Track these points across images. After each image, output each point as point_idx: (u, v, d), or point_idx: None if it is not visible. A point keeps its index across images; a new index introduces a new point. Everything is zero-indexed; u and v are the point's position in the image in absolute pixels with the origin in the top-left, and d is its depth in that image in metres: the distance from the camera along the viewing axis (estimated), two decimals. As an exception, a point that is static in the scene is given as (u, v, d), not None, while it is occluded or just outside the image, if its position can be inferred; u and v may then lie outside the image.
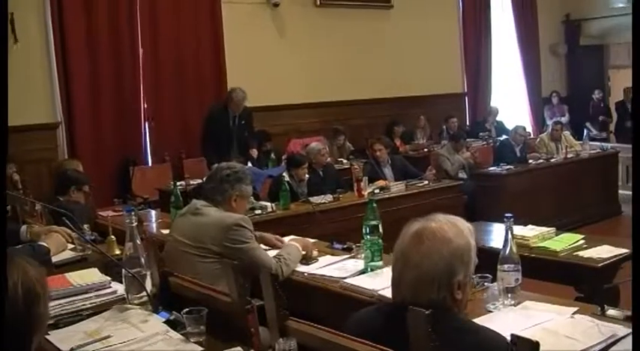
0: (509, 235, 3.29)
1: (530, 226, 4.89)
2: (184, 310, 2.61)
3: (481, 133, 11.91)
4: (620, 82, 15.06)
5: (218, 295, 2.81)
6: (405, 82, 11.63)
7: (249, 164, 8.61)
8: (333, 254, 4.27)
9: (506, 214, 3.33)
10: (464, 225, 2.31)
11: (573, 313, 3.08)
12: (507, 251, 3.25)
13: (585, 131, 11.24)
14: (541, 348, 1.97)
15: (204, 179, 4.82)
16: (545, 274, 4.42)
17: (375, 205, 3.79)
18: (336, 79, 10.89)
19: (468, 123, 12.89)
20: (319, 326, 2.33)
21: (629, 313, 3.02)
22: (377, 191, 7.21)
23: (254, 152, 8.95)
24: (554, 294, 3.63)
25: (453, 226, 2.27)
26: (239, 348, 2.43)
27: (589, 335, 2.69)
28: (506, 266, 3.19)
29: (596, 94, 13.87)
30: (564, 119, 13.10)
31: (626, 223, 10.15)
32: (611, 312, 3.07)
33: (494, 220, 5.25)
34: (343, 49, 11.01)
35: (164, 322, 2.74)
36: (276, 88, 10.16)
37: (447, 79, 12.55)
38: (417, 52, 11.80)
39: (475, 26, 12.97)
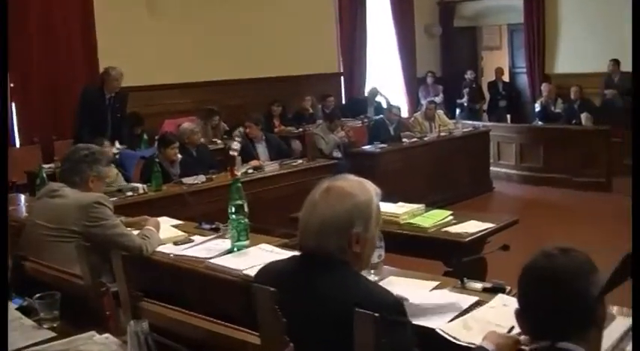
0: (372, 212, 3.32)
1: (400, 203, 4.93)
2: (36, 296, 2.53)
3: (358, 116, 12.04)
4: (492, 62, 15.51)
5: (72, 278, 2.74)
6: (281, 62, 11.59)
7: (117, 145, 8.42)
8: (201, 235, 4.23)
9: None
10: (371, 186, 2.45)
11: (434, 287, 3.15)
12: (370, 228, 3.27)
13: (458, 110, 11.50)
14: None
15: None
16: (416, 250, 4.55)
17: (239, 184, 3.76)
18: (212, 58, 10.75)
19: (343, 102, 12.95)
20: (171, 306, 2.30)
21: (488, 285, 3.12)
22: (250, 171, 7.21)
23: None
24: (424, 269, 3.71)
25: (360, 184, 2.42)
26: (93, 332, 2.37)
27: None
28: (369, 243, 3.21)
29: (469, 75, 14.21)
30: (438, 99, 13.33)
31: (497, 198, 10.54)
32: (470, 284, 3.16)
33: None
34: (219, 27, 10.87)
35: (17, 309, 2.65)
36: (151, 68, 9.93)
37: (323, 58, 12.57)
38: (293, 32, 11.78)
39: (351, 6, 13.00)
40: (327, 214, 2.31)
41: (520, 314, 2.06)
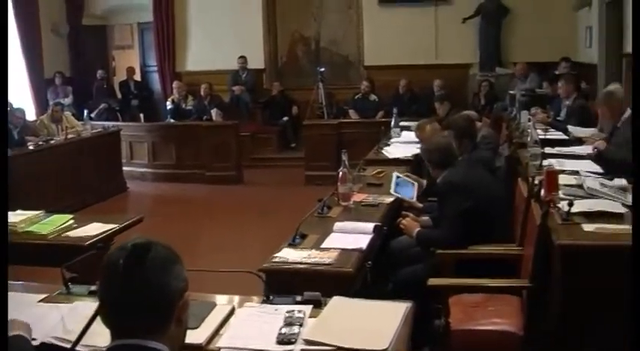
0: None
1: (18, 211, 4.81)
2: None
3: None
4: (123, 61, 15.45)
5: None
6: None
7: None
8: None
9: None
10: None
11: (42, 299, 3.09)
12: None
13: (86, 112, 11.32)
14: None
15: None
16: (37, 259, 4.48)
17: None
18: None
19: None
20: None
21: (93, 287, 3.10)
22: None
23: None
24: (49, 278, 3.61)
25: None
26: None
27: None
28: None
29: (100, 74, 14.04)
30: (67, 100, 13.11)
31: (132, 198, 10.63)
32: (76, 289, 3.24)
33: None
34: None
35: None
36: None
37: None
38: None
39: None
40: None
41: (100, 312, 1.91)
